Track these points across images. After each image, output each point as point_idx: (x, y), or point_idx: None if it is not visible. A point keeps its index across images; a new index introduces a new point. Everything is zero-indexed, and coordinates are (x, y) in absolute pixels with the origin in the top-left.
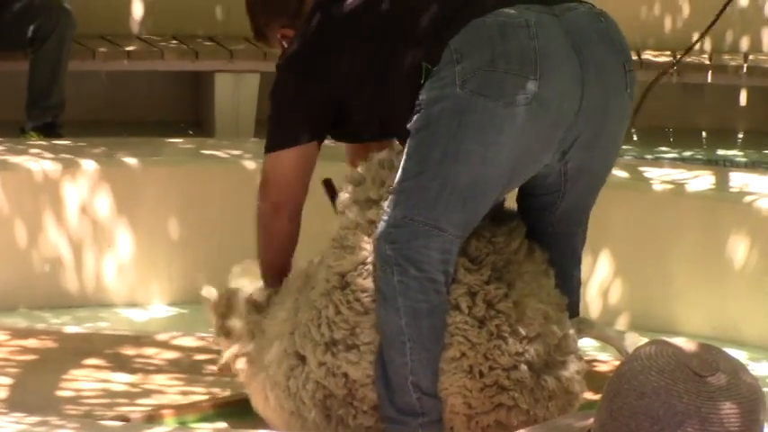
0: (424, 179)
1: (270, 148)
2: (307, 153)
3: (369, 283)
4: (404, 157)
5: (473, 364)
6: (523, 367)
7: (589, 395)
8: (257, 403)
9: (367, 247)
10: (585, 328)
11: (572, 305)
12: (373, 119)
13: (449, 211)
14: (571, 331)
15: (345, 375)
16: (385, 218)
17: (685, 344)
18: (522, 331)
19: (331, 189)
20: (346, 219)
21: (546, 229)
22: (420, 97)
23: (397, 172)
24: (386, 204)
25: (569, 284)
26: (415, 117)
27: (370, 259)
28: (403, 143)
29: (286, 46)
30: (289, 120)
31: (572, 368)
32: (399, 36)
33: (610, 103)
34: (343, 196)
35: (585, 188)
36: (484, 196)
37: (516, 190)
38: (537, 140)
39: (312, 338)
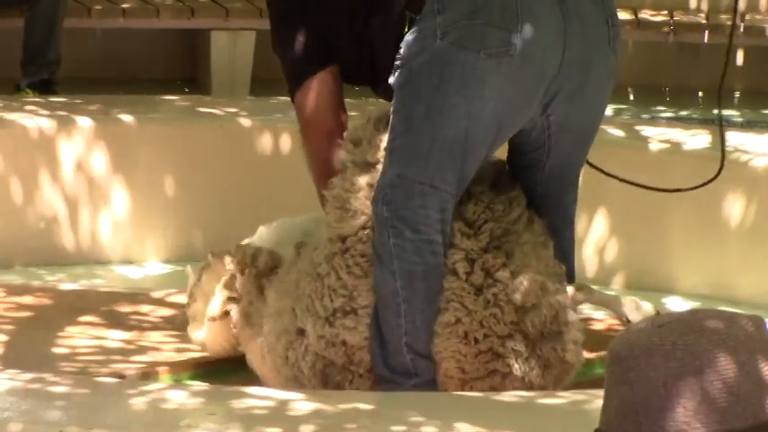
0: (413, 136)
1: (295, 85)
2: (331, 75)
3: (368, 248)
4: (391, 115)
5: (468, 331)
6: (519, 336)
7: (585, 354)
8: (253, 360)
9: (367, 211)
10: (584, 294)
11: (567, 270)
12: (362, 62)
13: (441, 168)
14: (568, 301)
15: (344, 343)
16: (381, 179)
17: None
18: (519, 301)
19: None
20: (347, 180)
21: (535, 189)
22: (401, 51)
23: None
24: (382, 165)
25: (561, 246)
26: (396, 72)
27: (370, 223)
28: (384, 96)
29: None
30: (298, 53)
31: (568, 338)
32: None
33: (592, 56)
34: (343, 155)
35: (571, 145)
36: (473, 151)
37: (507, 150)
38: (521, 93)
39: (315, 312)
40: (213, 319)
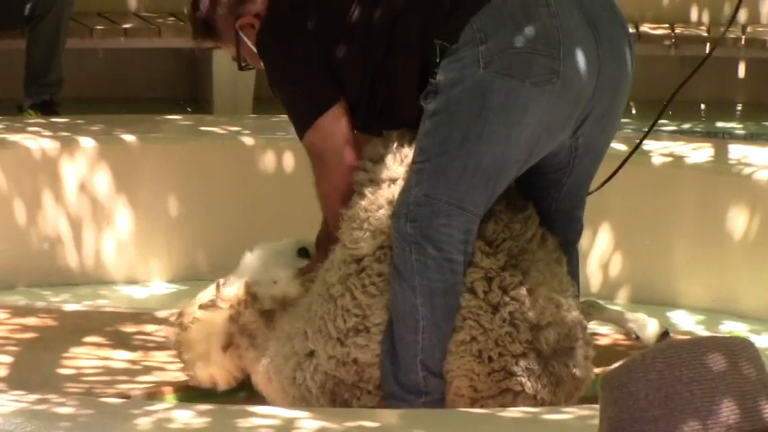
0: (446, 159)
1: (307, 123)
2: (342, 110)
3: (385, 267)
4: (421, 137)
5: (482, 349)
6: (532, 355)
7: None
8: (259, 382)
9: (386, 230)
10: (594, 311)
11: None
12: (375, 95)
13: (471, 191)
14: (580, 317)
15: (355, 361)
16: (405, 196)
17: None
18: (534, 319)
19: (307, 256)
20: (366, 199)
21: (550, 206)
22: (437, 77)
23: (414, 149)
24: (404, 182)
25: (572, 261)
26: (431, 98)
27: (387, 243)
28: (403, 124)
29: (245, 38)
30: (309, 90)
31: (579, 354)
32: (406, 10)
33: (620, 79)
34: (360, 175)
35: (590, 163)
36: (505, 175)
37: None
38: (558, 118)
39: (326, 333)
40: (225, 347)
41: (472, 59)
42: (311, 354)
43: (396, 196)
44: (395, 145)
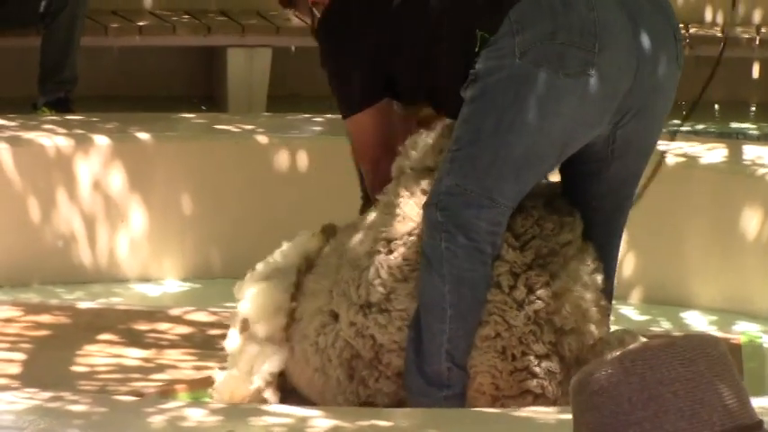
0: (477, 149)
1: (347, 113)
2: (382, 108)
3: (412, 253)
4: (458, 125)
5: (506, 346)
6: (555, 358)
7: None
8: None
9: (416, 218)
10: (629, 339)
11: (607, 289)
12: (420, 83)
13: (501, 182)
14: (610, 337)
15: (373, 338)
16: (437, 185)
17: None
18: (558, 323)
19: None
20: (401, 186)
21: (590, 203)
22: (476, 66)
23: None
24: (438, 171)
25: (609, 267)
26: (470, 86)
27: (417, 231)
28: (446, 113)
29: (317, 13)
30: (352, 82)
31: None
32: (455, 1)
33: (662, 74)
34: (400, 160)
35: (634, 161)
36: (536, 167)
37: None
38: (593, 112)
39: (349, 298)
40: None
41: (509, 49)
42: (335, 316)
43: (429, 185)
44: (438, 134)
